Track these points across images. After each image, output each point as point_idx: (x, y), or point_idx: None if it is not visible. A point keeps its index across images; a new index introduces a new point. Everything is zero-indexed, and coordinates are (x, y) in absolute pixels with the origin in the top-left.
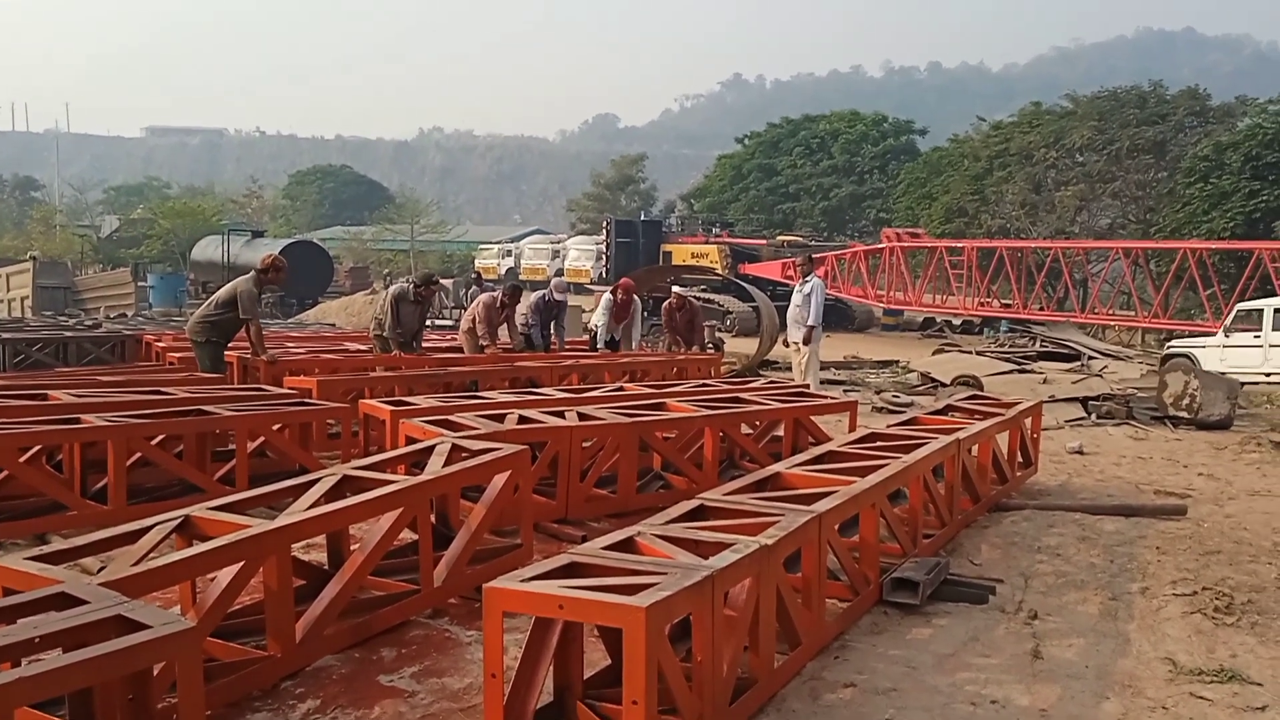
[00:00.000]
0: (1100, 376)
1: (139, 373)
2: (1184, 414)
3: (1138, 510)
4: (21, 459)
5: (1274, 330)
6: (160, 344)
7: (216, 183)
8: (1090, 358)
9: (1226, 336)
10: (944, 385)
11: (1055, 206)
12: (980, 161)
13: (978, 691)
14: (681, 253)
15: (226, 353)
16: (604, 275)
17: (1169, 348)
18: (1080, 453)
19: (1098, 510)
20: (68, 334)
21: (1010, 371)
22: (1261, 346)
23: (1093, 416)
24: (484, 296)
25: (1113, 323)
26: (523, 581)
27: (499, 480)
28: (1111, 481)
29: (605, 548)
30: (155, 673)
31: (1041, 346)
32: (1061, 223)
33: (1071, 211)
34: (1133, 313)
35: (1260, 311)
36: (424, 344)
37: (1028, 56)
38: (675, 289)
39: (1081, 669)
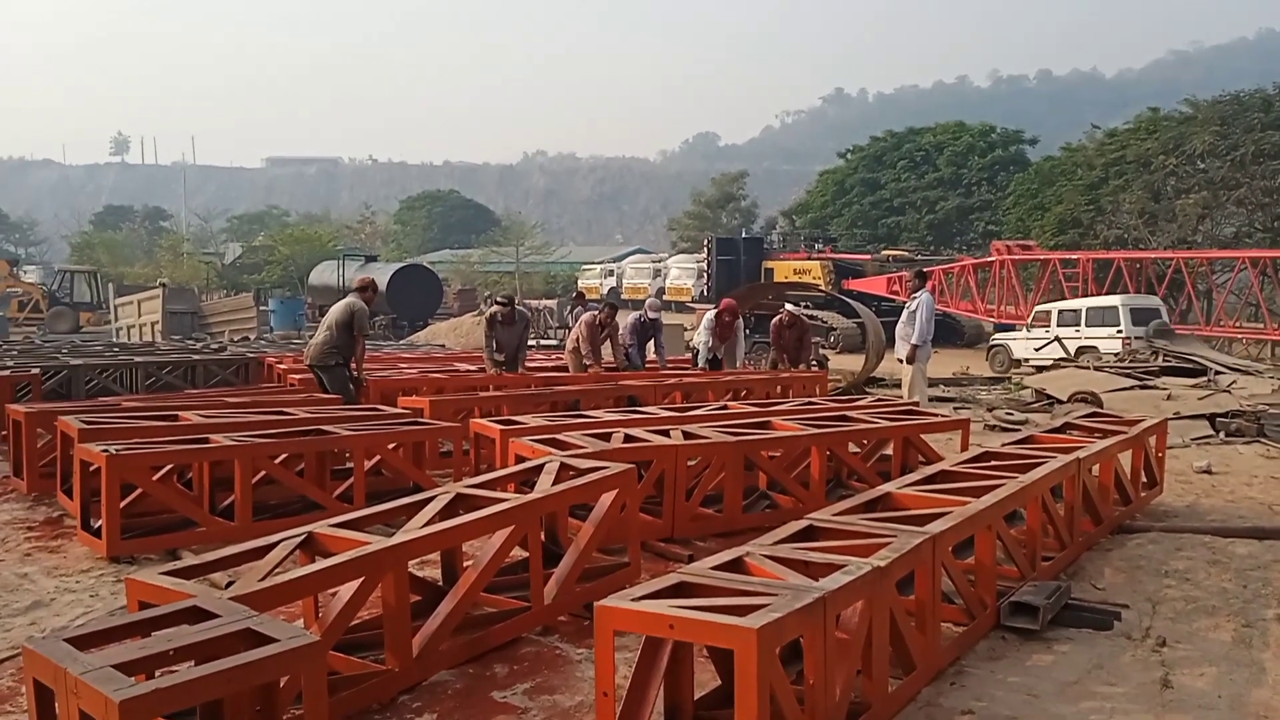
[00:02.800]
0: (1228, 392)
1: (262, 394)
2: None
3: (1272, 533)
4: (155, 477)
5: (1059, 325)
6: (281, 366)
7: (332, 210)
8: (1217, 372)
9: (1029, 330)
10: (1061, 402)
11: (1176, 215)
12: (1095, 170)
13: None
14: (783, 269)
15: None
16: (705, 293)
17: (992, 340)
18: (1209, 472)
19: (1229, 533)
20: (195, 357)
21: (1132, 388)
22: (1050, 338)
23: (1221, 434)
24: (585, 316)
25: (1240, 335)
26: (633, 601)
27: (607, 499)
28: (1243, 502)
29: (714, 568)
30: (281, 685)
31: (1165, 361)
32: (1183, 232)
33: (1194, 220)
34: (1262, 325)
35: (1050, 311)
36: (528, 364)
37: (1143, 62)
38: (787, 306)
39: (1214, 699)
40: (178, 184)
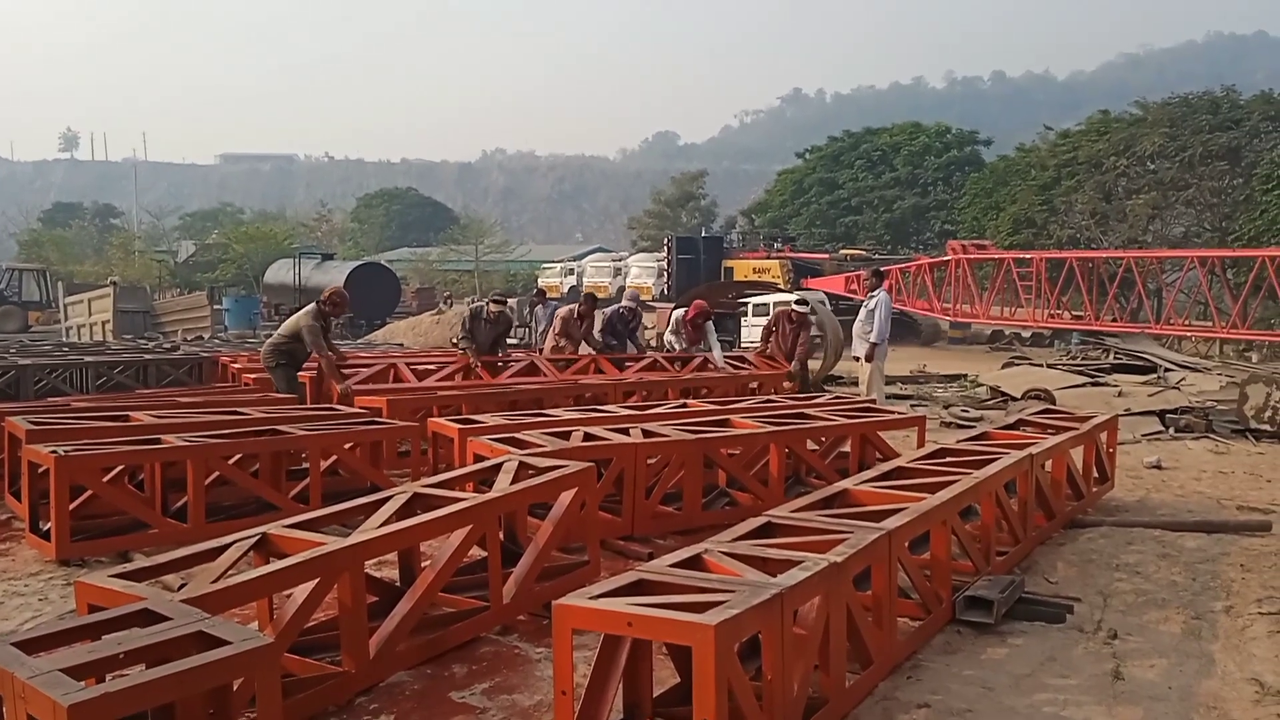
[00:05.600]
0: (1178, 389)
1: (216, 393)
2: (1266, 427)
3: (1220, 526)
4: (105, 479)
5: (753, 316)
6: (236, 365)
7: (288, 207)
8: (1167, 370)
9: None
10: (1014, 399)
11: (1127, 215)
12: (1048, 171)
13: (1057, 713)
14: (743, 268)
15: (299, 374)
16: (665, 292)
17: None
18: (1158, 467)
19: (1178, 526)
20: (147, 356)
21: (1083, 385)
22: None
23: (1171, 430)
24: (562, 310)
25: (1189, 334)
26: (591, 599)
27: (566, 497)
28: (1192, 497)
29: (673, 565)
30: (235, 688)
31: (1115, 359)
32: (1134, 232)
33: (1144, 220)
34: (1210, 323)
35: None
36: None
37: (1095, 64)
38: (795, 305)
39: (1164, 690)
40: (129, 181)
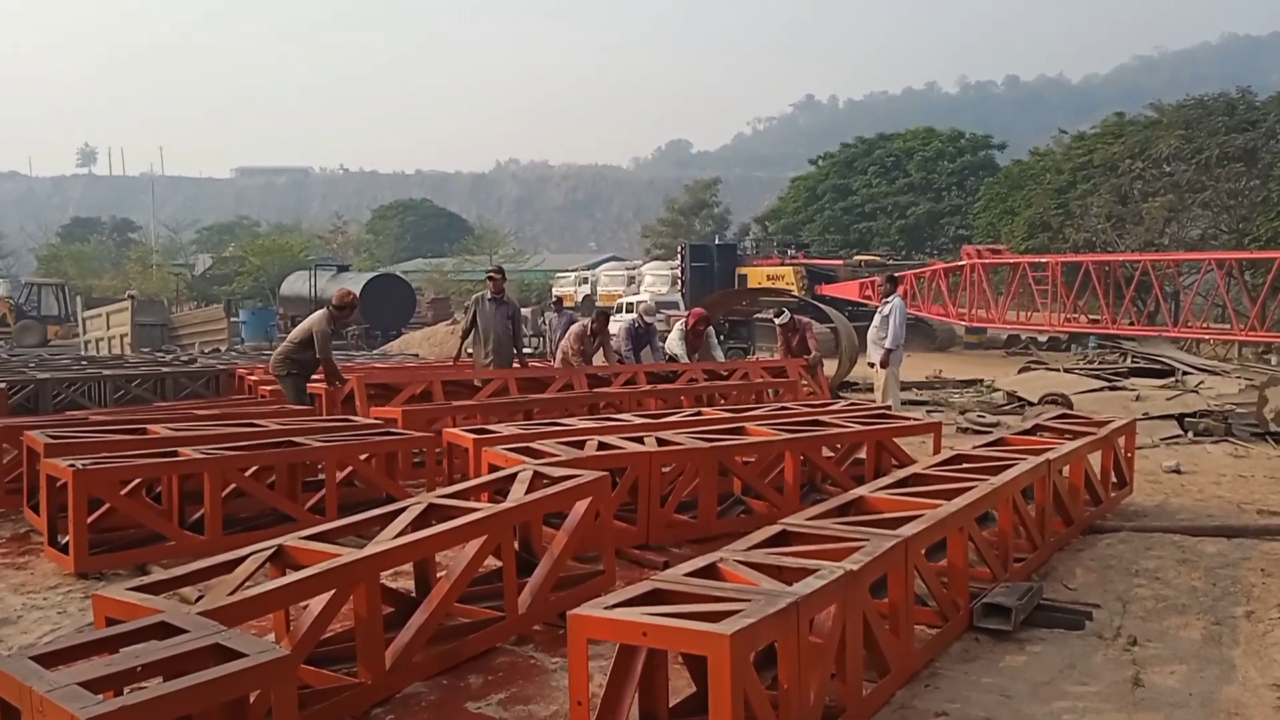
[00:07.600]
0: (1196, 392)
1: (232, 406)
2: None
3: (1240, 531)
4: (123, 491)
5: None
6: (252, 377)
7: (303, 219)
8: (1185, 373)
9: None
10: (1031, 404)
11: (1143, 218)
12: (1063, 174)
13: None
14: (757, 275)
15: (311, 386)
16: (679, 301)
17: None
18: (1177, 472)
19: (1198, 531)
20: (165, 369)
21: (1101, 389)
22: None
23: (1189, 434)
24: (574, 327)
25: (1207, 336)
26: (606, 609)
27: (580, 507)
28: (1211, 501)
29: (688, 574)
30: (252, 700)
31: (1133, 362)
32: (1150, 235)
33: (1160, 223)
34: (1228, 326)
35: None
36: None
37: (1109, 67)
38: (777, 321)
39: (1185, 697)
40: (146, 195)
